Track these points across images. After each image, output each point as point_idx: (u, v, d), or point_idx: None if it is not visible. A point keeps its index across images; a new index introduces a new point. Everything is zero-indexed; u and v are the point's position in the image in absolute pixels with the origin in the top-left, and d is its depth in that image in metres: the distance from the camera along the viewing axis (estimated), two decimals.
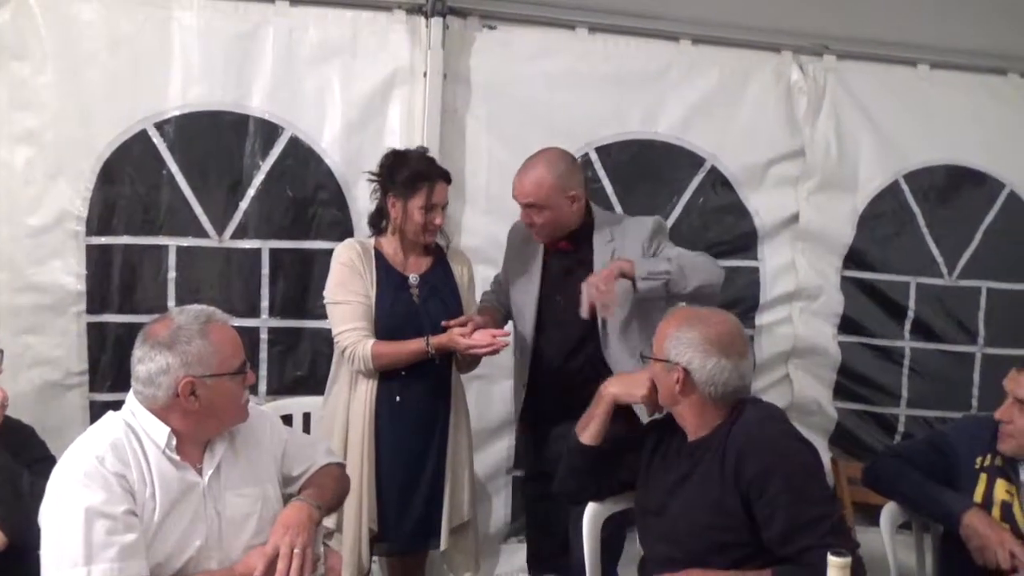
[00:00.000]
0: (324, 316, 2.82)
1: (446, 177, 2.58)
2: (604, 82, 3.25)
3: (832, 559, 1.39)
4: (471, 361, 2.63)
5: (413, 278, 2.59)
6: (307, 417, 2.86)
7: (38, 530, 1.63)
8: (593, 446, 2.08)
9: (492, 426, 3.21)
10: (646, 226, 2.62)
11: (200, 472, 1.76)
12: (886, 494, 2.24)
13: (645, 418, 2.14)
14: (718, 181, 3.38)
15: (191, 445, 1.76)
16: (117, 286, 2.97)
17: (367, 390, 2.53)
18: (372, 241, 2.63)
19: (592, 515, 2.16)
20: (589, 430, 2.09)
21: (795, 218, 3.42)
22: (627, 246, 2.59)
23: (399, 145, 2.89)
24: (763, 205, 3.41)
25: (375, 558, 2.66)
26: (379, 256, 2.59)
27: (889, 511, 2.22)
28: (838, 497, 3.04)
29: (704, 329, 1.92)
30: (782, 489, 1.77)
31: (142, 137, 2.93)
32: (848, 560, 1.39)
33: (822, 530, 1.74)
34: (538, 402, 2.72)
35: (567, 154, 2.66)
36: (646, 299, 2.50)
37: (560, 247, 2.67)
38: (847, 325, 3.50)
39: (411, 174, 2.51)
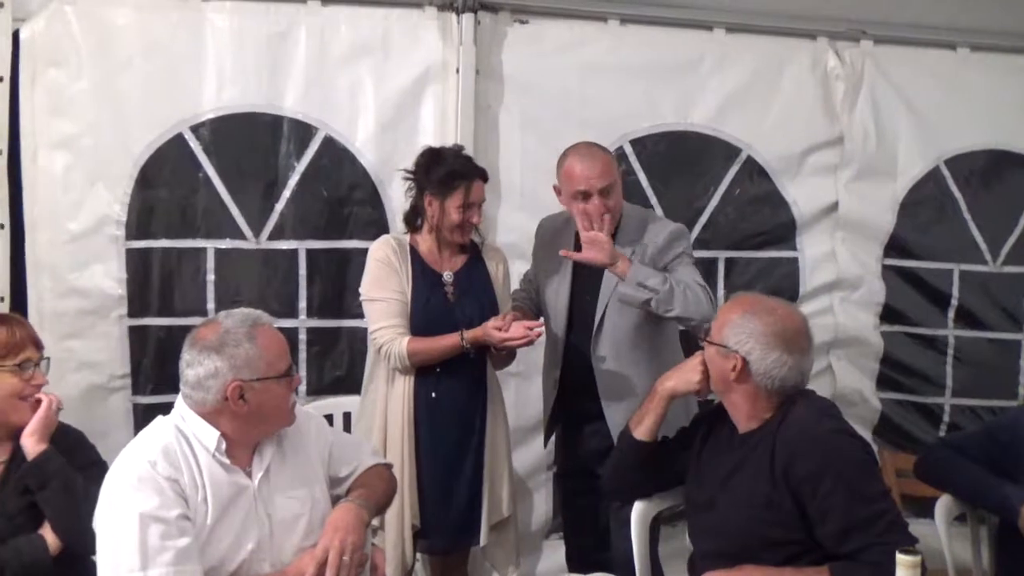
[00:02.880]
0: (362, 315, 2.82)
1: (483, 175, 2.57)
2: (637, 74, 3.22)
3: (901, 558, 1.36)
4: (506, 357, 2.63)
5: (447, 276, 2.59)
6: (347, 417, 2.87)
7: (93, 535, 1.64)
8: (647, 442, 2.06)
9: (531, 423, 3.18)
10: (663, 235, 2.55)
11: (250, 475, 1.77)
12: (940, 486, 2.20)
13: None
14: (754, 171, 3.33)
15: (240, 448, 1.77)
16: (157, 289, 2.98)
17: (404, 387, 2.53)
18: (407, 237, 2.62)
19: (640, 513, 2.14)
20: (644, 425, 2.07)
21: (834, 207, 3.37)
22: (647, 256, 2.53)
23: (433, 142, 2.88)
24: (801, 194, 3.36)
25: (418, 555, 2.65)
26: (414, 253, 2.59)
27: (944, 503, 2.18)
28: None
29: (769, 320, 1.88)
30: (836, 487, 1.74)
31: (178, 141, 2.94)
32: (918, 559, 1.36)
33: (880, 528, 1.71)
34: (569, 401, 2.70)
35: None
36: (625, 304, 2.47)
37: None
38: (889, 314, 3.44)
39: (448, 173, 2.50)
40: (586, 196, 2.48)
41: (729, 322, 1.92)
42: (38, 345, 2.00)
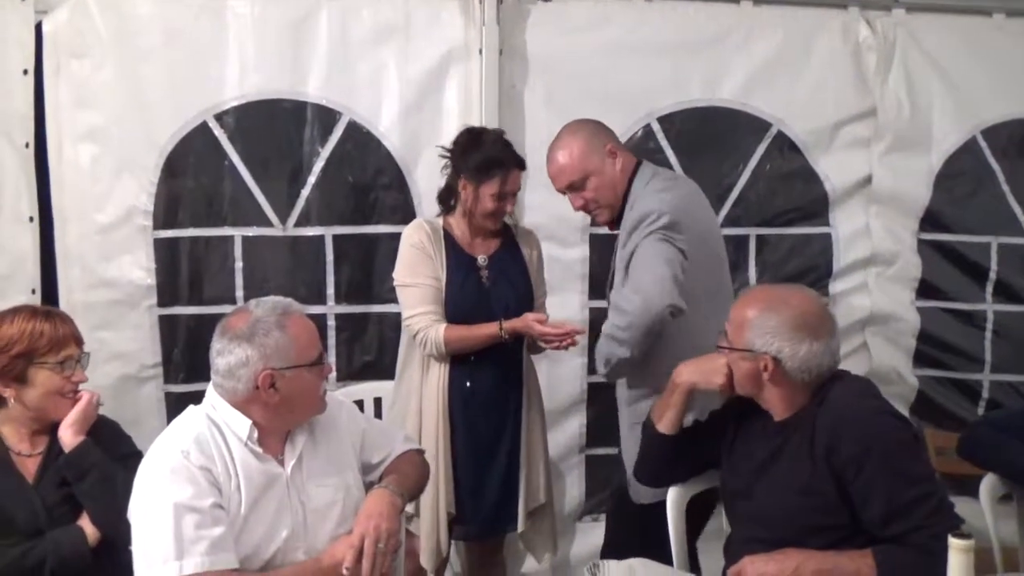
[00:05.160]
0: (390, 300, 2.82)
1: (521, 164, 2.53)
2: (663, 50, 3.15)
3: (954, 541, 1.31)
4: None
5: (482, 260, 2.56)
6: (378, 402, 2.86)
7: (131, 526, 1.64)
8: (671, 434, 2.01)
9: (562, 406, 3.18)
10: (625, 231, 2.33)
11: (282, 463, 1.77)
12: (984, 465, 2.15)
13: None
14: (785, 146, 3.26)
15: (272, 437, 1.77)
16: (186, 279, 2.99)
17: (439, 375, 2.51)
18: (440, 221, 2.60)
19: (675, 498, 2.11)
20: (666, 419, 2.01)
21: (867, 181, 3.29)
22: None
23: (457, 125, 2.86)
24: (833, 169, 3.28)
25: (452, 541, 2.65)
26: (448, 237, 2.56)
27: (989, 483, 2.13)
28: None
29: (789, 312, 1.81)
30: (880, 468, 1.69)
31: (203, 129, 2.93)
32: (971, 543, 1.31)
33: (925, 510, 1.67)
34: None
35: (585, 119, 2.48)
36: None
37: (613, 228, 2.52)
38: (926, 290, 3.37)
39: (486, 160, 2.46)
40: (566, 191, 2.44)
41: (747, 323, 1.84)
42: (79, 342, 2.00)
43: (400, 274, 2.54)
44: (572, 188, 2.41)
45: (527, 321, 2.42)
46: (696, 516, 2.21)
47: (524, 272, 2.60)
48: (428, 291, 2.48)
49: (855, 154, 3.29)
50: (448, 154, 2.54)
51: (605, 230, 3.08)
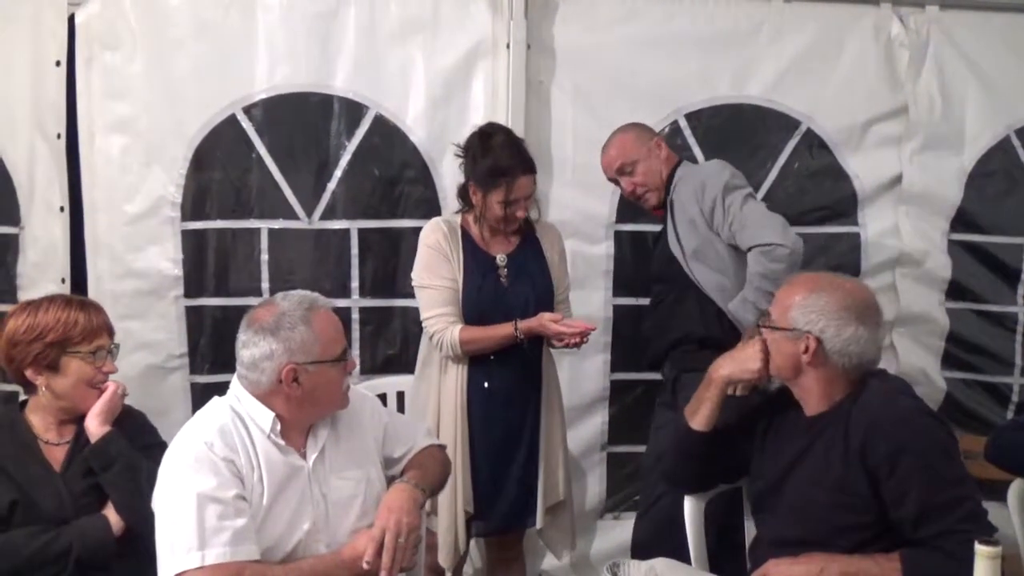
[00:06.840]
0: (414, 295, 2.81)
1: (529, 168, 2.48)
2: (692, 45, 3.13)
3: (981, 548, 1.29)
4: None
5: (500, 258, 2.54)
6: (400, 396, 2.86)
7: (153, 515, 1.66)
8: (704, 432, 1.96)
9: (584, 402, 3.17)
10: (690, 203, 2.61)
11: (304, 456, 1.78)
12: (1013, 470, 2.12)
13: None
14: (814, 144, 3.22)
15: (294, 430, 1.78)
16: (212, 270, 3.02)
17: (457, 374, 2.51)
18: (459, 219, 2.59)
19: (692, 505, 2.09)
20: (700, 415, 1.96)
21: (898, 180, 3.24)
22: (683, 223, 2.63)
23: (484, 119, 2.85)
24: (863, 167, 3.24)
25: (471, 540, 2.64)
26: (466, 235, 2.54)
27: (1017, 488, 2.09)
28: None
29: (838, 295, 1.79)
30: (915, 468, 1.66)
31: (231, 122, 2.95)
32: (998, 550, 1.29)
33: (959, 514, 1.64)
34: None
35: (630, 122, 2.81)
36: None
37: (658, 213, 2.73)
38: (955, 291, 3.31)
39: (491, 167, 2.44)
40: (615, 182, 2.78)
41: (794, 304, 1.82)
42: (111, 333, 2.02)
43: (417, 274, 2.54)
44: (622, 172, 2.72)
45: (542, 321, 2.41)
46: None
47: (544, 269, 2.58)
48: (444, 293, 2.47)
49: (885, 153, 3.24)
50: (461, 157, 2.54)
51: (630, 227, 3.12)
